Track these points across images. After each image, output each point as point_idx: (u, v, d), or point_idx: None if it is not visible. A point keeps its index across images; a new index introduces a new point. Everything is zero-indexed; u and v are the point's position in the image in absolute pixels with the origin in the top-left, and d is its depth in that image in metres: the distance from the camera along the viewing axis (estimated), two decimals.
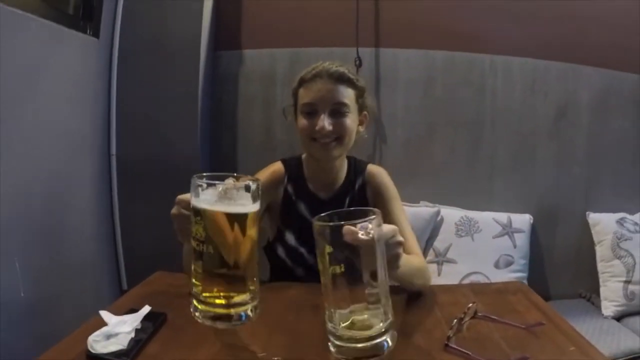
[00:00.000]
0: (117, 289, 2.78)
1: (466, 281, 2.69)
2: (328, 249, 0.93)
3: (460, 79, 2.98)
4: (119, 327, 1.09)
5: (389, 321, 0.98)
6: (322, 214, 0.99)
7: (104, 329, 1.08)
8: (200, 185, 0.96)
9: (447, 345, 1.11)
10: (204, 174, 0.99)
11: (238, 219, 0.97)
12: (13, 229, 1.94)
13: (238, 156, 3.00)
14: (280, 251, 1.73)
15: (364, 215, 0.95)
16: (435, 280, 2.58)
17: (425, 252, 2.77)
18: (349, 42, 2.89)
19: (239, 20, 3.00)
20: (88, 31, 2.48)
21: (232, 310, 0.99)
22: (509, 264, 2.77)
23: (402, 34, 2.96)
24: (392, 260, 1.05)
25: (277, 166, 1.78)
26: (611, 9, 2.93)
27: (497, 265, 2.76)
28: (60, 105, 2.28)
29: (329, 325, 0.99)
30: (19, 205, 1.99)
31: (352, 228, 0.92)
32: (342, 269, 0.93)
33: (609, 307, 2.70)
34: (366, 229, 0.93)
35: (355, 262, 0.93)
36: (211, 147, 2.95)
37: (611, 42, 2.94)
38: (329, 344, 1.00)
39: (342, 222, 0.92)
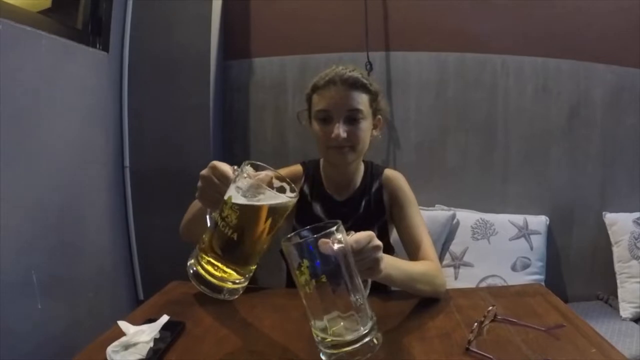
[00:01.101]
0: (133, 299, 2.78)
1: (483, 284, 2.67)
2: (305, 263, 0.94)
3: (472, 81, 2.96)
4: (138, 337, 1.09)
5: (370, 323, 0.98)
6: (288, 236, 1.00)
7: (123, 339, 1.08)
8: (248, 176, 1.02)
9: (467, 349, 1.09)
10: (257, 162, 1.07)
11: (275, 213, 1.03)
12: (30, 242, 1.95)
13: None
14: None
15: (325, 228, 0.96)
16: (452, 284, 2.57)
17: (441, 256, 2.76)
18: (358, 47, 2.89)
19: (248, 29, 3.02)
20: (97, 45, 2.49)
21: (224, 285, 1.04)
22: (526, 266, 2.74)
23: (412, 36, 2.96)
24: (373, 265, 1.04)
25: (297, 167, 1.81)
26: (622, 5, 2.90)
27: (514, 268, 2.73)
28: (73, 119, 2.29)
29: (315, 336, 1.00)
30: (35, 218, 2.00)
31: (326, 240, 0.93)
32: (324, 280, 0.94)
33: (627, 309, 2.66)
34: (335, 239, 0.94)
35: (334, 272, 0.95)
36: (224, 156, 2.95)
37: (622, 39, 2.91)
38: (321, 354, 1.00)
39: (315, 236, 0.94)
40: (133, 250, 2.80)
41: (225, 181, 1.10)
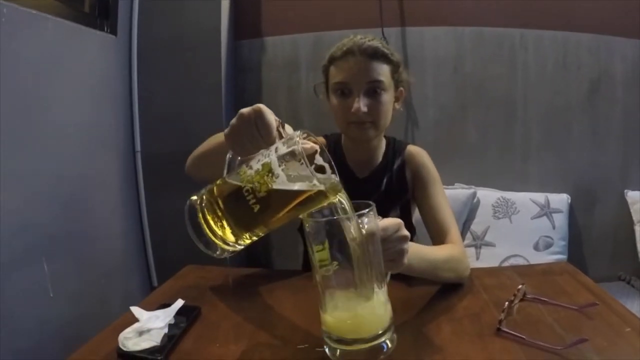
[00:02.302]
0: (147, 285, 2.77)
1: (506, 264, 2.62)
2: (326, 245, 0.89)
3: (491, 55, 2.89)
4: (151, 323, 1.05)
5: (387, 322, 0.94)
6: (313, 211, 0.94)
7: (136, 325, 1.05)
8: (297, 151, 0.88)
9: (499, 329, 1.05)
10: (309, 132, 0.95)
11: (313, 203, 0.91)
12: (41, 230, 1.93)
13: None
14: None
15: (358, 209, 0.91)
16: (474, 265, 2.50)
17: (462, 236, 2.69)
18: (373, 23, 2.82)
19: (259, 7, 2.96)
20: (105, 29, 2.45)
21: (214, 240, 0.94)
22: (548, 245, 2.69)
23: (428, 11, 2.88)
24: (397, 257, 0.99)
25: (320, 139, 1.72)
26: None
27: (536, 248, 2.68)
28: (82, 104, 2.27)
29: (323, 328, 0.96)
30: (46, 205, 1.98)
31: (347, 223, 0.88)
32: (335, 267, 0.90)
33: None
34: (360, 223, 0.89)
35: (349, 259, 0.90)
36: None
37: None
38: (325, 347, 0.96)
39: (336, 217, 0.89)
40: (146, 235, 2.78)
41: (266, 136, 0.99)
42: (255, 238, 0.96)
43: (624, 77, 2.88)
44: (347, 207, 0.90)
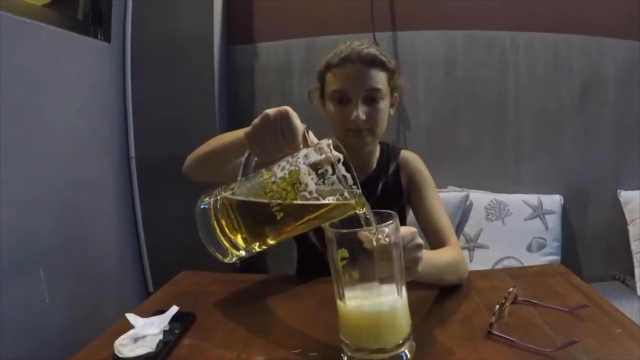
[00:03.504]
0: (143, 291, 2.77)
1: (499, 266, 2.63)
2: (342, 254, 0.89)
3: (482, 59, 2.91)
4: (147, 329, 1.06)
5: (407, 332, 0.95)
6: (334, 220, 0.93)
7: (131, 331, 1.05)
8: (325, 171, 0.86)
9: (489, 332, 1.06)
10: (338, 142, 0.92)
11: (335, 215, 0.91)
12: (36, 237, 1.93)
13: None
14: (311, 234, 1.66)
15: (381, 219, 0.91)
16: (468, 267, 2.54)
17: (456, 237, 2.72)
18: (364, 28, 2.83)
19: (251, 13, 2.97)
20: (99, 36, 2.46)
21: (233, 250, 0.94)
22: (541, 247, 2.70)
23: (419, 15, 2.90)
24: (411, 265, 1.00)
25: None
26: None
27: (529, 249, 2.69)
28: (76, 112, 2.27)
29: (342, 336, 0.97)
30: (41, 212, 1.98)
31: (368, 234, 0.88)
32: (357, 276, 0.90)
33: None
34: (383, 234, 0.88)
35: (370, 269, 0.90)
36: None
37: (634, 12, 2.84)
38: (342, 354, 0.97)
39: (357, 229, 0.88)
40: (141, 242, 2.78)
41: (291, 141, 0.97)
42: (265, 247, 0.95)
43: (615, 77, 2.90)
44: (371, 220, 0.89)
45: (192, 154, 1.45)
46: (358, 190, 0.90)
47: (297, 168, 0.88)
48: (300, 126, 0.99)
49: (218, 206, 0.92)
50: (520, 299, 1.25)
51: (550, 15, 2.86)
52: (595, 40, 2.88)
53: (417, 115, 2.96)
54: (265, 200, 0.87)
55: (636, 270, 2.70)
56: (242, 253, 0.95)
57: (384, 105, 1.54)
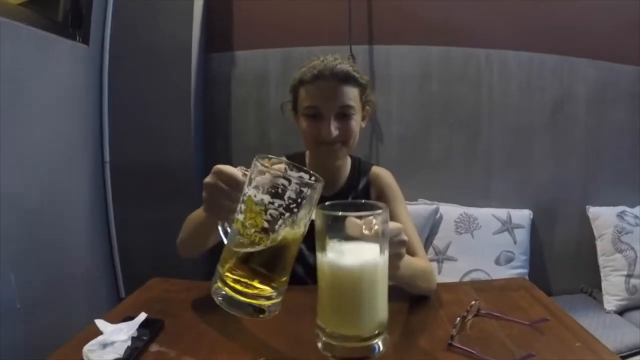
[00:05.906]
0: (114, 297, 2.75)
1: (467, 279, 2.68)
2: (329, 236, 0.92)
3: (456, 74, 2.97)
4: (115, 336, 1.06)
5: (383, 323, 0.97)
6: (327, 203, 0.97)
7: (100, 337, 1.06)
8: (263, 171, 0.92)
9: (450, 344, 1.08)
10: (266, 155, 0.97)
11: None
12: (7, 240, 1.91)
13: (233, 158, 3.00)
14: None
15: (371, 208, 0.92)
16: (436, 279, 2.57)
17: (425, 250, 2.75)
18: (341, 40, 2.87)
19: (230, 21, 3.00)
20: (77, 38, 2.46)
21: (260, 303, 0.97)
22: (509, 260, 2.75)
23: (396, 29, 2.95)
24: (394, 260, 1.02)
25: (282, 159, 1.74)
26: (606, 2, 2.93)
27: (497, 262, 2.74)
28: (51, 113, 2.26)
29: (319, 321, 0.98)
30: (12, 216, 1.96)
31: (356, 221, 0.89)
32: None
33: (611, 302, 2.70)
34: (370, 224, 0.90)
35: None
36: (205, 150, 2.93)
37: (607, 34, 2.93)
38: (317, 339, 0.98)
39: (346, 214, 0.90)
40: (114, 247, 2.76)
41: (235, 185, 1.02)
42: (285, 278, 1.00)
43: (586, 97, 2.98)
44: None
45: (178, 240, 1.48)
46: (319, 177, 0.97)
47: (246, 194, 0.95)
48: (235, 170, 1.04)
49: (224, 279, 0.98)
50: (483, 311, 1.27)
51: (525, 34, 2.94)
52: (567, 60, 2.96)
53: (390, 128, 3.00)
54: (246, 239, 0.93)
55: (603, 283, 2.78)
56: (277, 296, 0.99)
57: (356, 120, 1.56)
